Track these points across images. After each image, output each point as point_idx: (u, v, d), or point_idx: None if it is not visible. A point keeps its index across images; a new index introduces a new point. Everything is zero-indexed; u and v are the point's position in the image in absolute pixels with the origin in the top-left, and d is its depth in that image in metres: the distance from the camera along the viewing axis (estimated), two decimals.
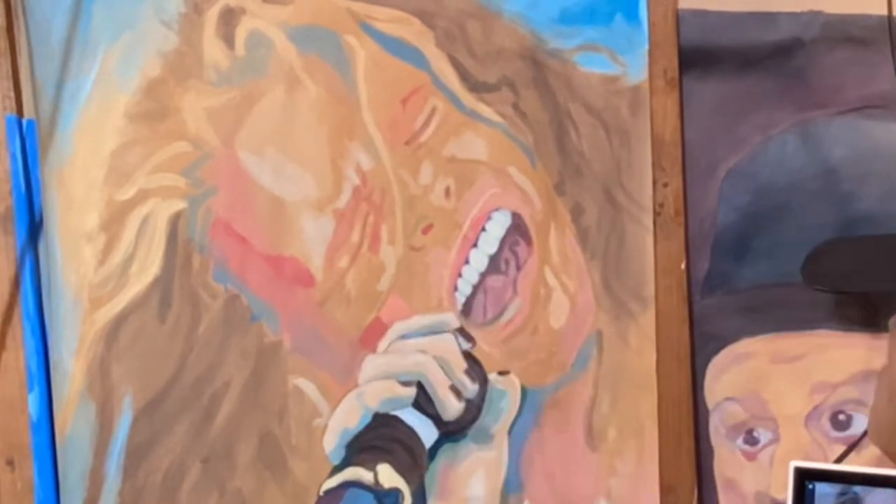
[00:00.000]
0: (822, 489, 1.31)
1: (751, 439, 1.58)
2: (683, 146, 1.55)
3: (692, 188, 1.56)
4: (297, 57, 1.37)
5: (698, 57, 1.53)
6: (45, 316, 1.30)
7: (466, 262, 1.45)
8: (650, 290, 1.53)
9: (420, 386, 1.43)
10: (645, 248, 1.53)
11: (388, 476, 1.42)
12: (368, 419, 1.41)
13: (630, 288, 1.52)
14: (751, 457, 1.57)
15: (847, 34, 1.54)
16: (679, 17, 1.53)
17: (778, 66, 1.55)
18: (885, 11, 1.41)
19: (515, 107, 1.46)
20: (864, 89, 1.55)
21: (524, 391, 1.48)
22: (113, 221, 1.30)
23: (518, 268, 1.48)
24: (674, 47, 1.52)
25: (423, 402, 1.43)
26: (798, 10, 1.54)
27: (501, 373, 1.47)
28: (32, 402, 1.29)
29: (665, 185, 1.53)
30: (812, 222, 1.54)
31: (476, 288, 1.46)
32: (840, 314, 1.56)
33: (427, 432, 1.44)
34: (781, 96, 1.55)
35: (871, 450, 1.51)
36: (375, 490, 1.41)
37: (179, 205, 1.33)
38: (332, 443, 1.40)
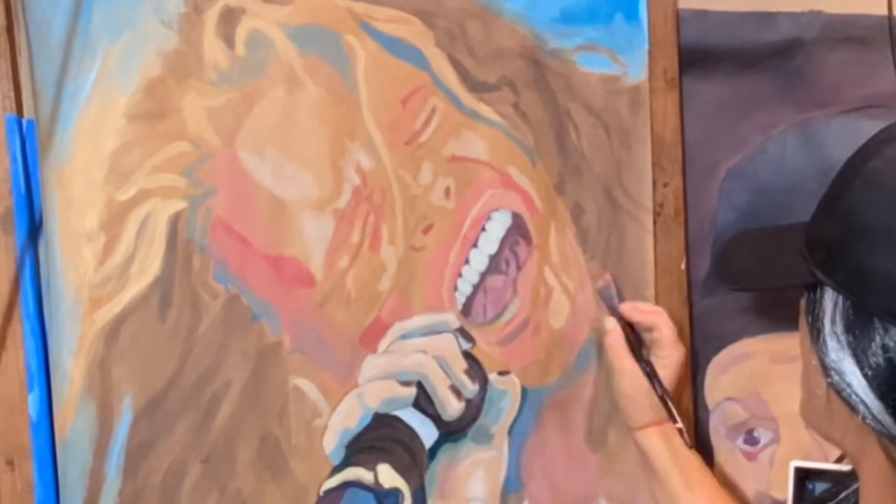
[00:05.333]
0: (822, 489, 1.32)
1: (751, 439, 1.58)
2: (683, 146, 1.55)
3: (692, 188, 1.56)
4: (298, 57, 1.36)
5: (698, 57, 1.54)
6: (45, 316, 1.29)
7: (466, 262, 1.45)
8: (650, 290, 1.53)
9: (420, 386, 1.43)
10: (645, 248, 1.53)
11: (388, 476, 1.42)
12: (368, 419, 1.41)
13: (630, 288, 1.52)
14: (751, 457, 1.58)
15: (847, 34, 1.55)
16: (679, 17, 1.53)
17: (778, 66, 1.55)
18: (885, 11, 1.42)
19: (515, 107, 1.46)
20: (864, 89, 1.55)
21: (524, 391, 1.48)
22: (113, 221, 1.30)
23: (518, 268, 1.48)
24: (674, 47, 1.53)
25: (424, 401, 1.43)
26: (798, 10, 1.55)
27: (501, 373, 1.47)
28: (32, 402, 1.29)
29: (665, 185, 1.53)
30: None
31: (476, 288, 1.46)
32: None
33: (427, 432, 1.44)
34: (781, 96, 1.56)
35: None
36: (375, 490, 1.41)
37: (179, 205, 1.32)
38: (332, 443, 1.40)
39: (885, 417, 0.95)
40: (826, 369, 0.98)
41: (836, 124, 1.56)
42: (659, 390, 1.37)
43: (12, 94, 1.28)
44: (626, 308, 1.41)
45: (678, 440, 1.39)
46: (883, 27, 1.43)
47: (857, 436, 0.99)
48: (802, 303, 1.03)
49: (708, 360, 1.58)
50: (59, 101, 1.27)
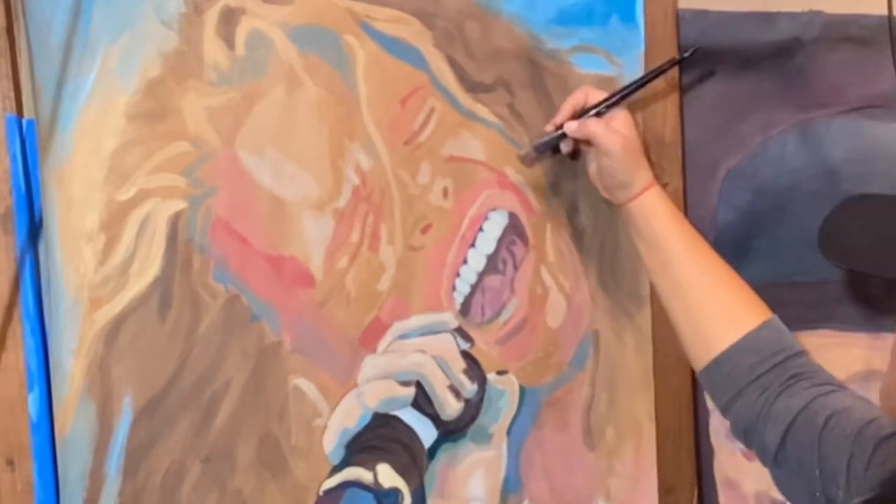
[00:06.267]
0: None
1: None
2: (683, 146, 1.55)
3: (692, 188, 1.56)
4: (297, 57, 1.37)
5: (698, 57, 1.53)
6: (45, 316, 1.30)
7: (464, 261, 1.45)
8: (647, 289, 1.53)
9: (419, 386, 1.43)
10: None
11: (387, 476, 1.42)
12: (368, 419, 1.41)
13: (627, 287, 1.52)
14: (751, 457, 1.57)
15: (847, 34, 1.54)
16: (679, 17, 1.53)
17: (778, 66, 1.55)
18: (885, 11, 1.41)
19: (511, 107, 1.46)
20: (864, 89, 1.55)
21: (522, 391, 1.48)
22: (113, 221, 1.30)
23: (515, 267, 1.48)
24: (673, 47, 1.52)
25: (423, 401, 1.43)
26: (798, 10, 1.54)
27: (500, 372, 1.47)
28: (32, 402, 1.29)
29: (665, 185, 1.53)
30: (812, 222, 1.53)
31: (474, 288, 1.46)
32: (840, 314, 1.55)
33: (426, 432, 1.44)
34: (781, 96, 1.55)
35: None
36: (375, 490, 1.42)
37: (179, 205, 1.33)
38: (331, 443, 1.40)
39: None
40: None
41: (836, 124, 1.55)
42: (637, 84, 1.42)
43: (12, 94, 1.28)
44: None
45: (669, 200, 1.40)
46: (883, 27, 1.43)
47: None
48: None
49: None
50: (59, 101, 1.27)
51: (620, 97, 1.41)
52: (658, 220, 1.38)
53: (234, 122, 1.34)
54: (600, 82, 1.48)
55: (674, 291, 1.36)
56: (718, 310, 1.33)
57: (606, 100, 1.40)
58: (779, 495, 1.56)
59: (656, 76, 1.45)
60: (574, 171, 1.49)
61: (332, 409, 1.39)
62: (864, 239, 1.09)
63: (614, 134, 1.37)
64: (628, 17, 1.50)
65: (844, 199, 1.23)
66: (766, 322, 1.32)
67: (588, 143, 1.40)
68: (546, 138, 1.44)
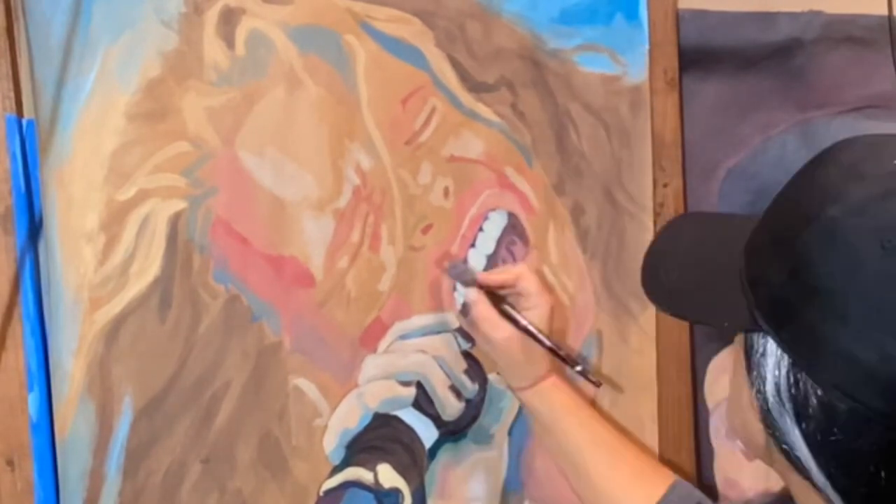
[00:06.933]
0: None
1: None
2: (683, 146, 1.55)
3: (692, 188, 1.56)
4: (298, 57, 1.37)
5: (698, 57, 1.54)
6: (45, 316, 1.29)
7: (465, 262, 1.45)
8: None
9: (420, 386, 1.43)
10: (645, 248, 1.52)
11: (388, 476, 1.42)
12: (368, 419, 1.41)
13: (630, 288, 1.52)
14: (751, 456, 1.58)
15: (847, 34, 1.55)
16: (679, 17, 1.53)
17: (778, 66, 1.55)
18: (885, 11, 1.41)
19: (513, 107, 1.46)
20: (864, 89, 1.55)
21: None
22: (113, 221, 1.30)
23: None
24: (674, 47, 1.53)
25: (423, 401, 1.43)
26: (798, 10, 1.55)
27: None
28: (32, 402, 1.29)
29: (665, 185, 1.53)
30: None
31: None
32: None
33: (427, 432, 1.44)
34: (781, 96, 1.56)
35: None
36: (375, 490, 1.41)
37: (179, 205, 1.32)
38: (332, 443, 1.40)
39: (823, 480, 0.92)
40: (766, 422, 0.95)
41: (836, 124, 1.56)
42: (548, 342, 1.36)
43: (12, 94, 1.28)
44: (483, 276, 1.38)
45: (567, 389, 1.38)
46: (883, 27, 1.43)
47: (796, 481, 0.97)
48: (740, 338, 0.98)
49: (708, 360, 1.58)
50: (59, 101, 1.27)
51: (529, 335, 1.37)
52: (548, 415, 1.38)
53: (234, 122, 1.34)
54: (605, 81, 1.49)
55: (574, 474, 1.38)
56: (623, 487, 1.35)
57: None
58: None
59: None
60: (579, 171, 1.49)
61: (333, 409, 1.39)
62: (684, 280, 1.04)
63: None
64: (632, 15, 1.50)
65: (671, 220, 1.17)
66: (671, 486, 1.34)
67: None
68: (456, 272, 1.42)
